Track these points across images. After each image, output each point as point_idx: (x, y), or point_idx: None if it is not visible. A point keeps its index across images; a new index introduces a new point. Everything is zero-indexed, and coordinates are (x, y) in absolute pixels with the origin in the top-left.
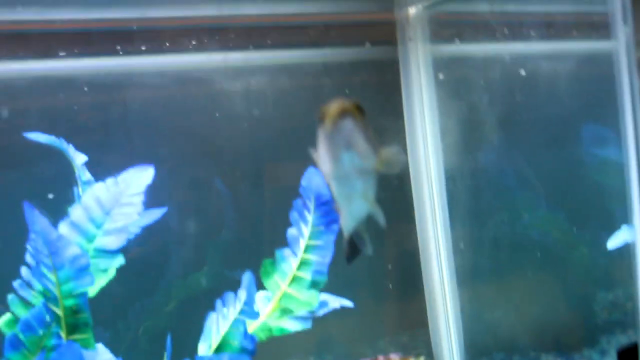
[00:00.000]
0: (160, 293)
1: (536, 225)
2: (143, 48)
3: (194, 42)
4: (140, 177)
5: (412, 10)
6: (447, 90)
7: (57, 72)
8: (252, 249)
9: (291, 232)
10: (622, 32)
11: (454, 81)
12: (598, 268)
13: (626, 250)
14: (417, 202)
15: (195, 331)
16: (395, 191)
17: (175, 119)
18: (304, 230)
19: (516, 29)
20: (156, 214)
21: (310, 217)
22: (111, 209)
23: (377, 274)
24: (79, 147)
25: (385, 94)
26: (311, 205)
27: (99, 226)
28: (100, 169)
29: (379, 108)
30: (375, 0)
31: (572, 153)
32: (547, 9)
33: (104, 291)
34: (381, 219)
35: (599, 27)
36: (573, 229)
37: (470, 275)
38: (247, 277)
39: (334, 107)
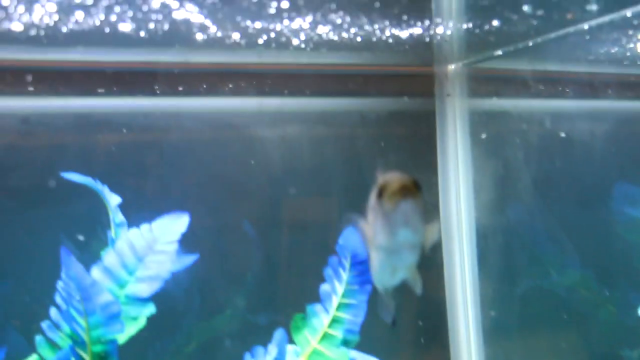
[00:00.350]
0: (181, 334)
1: (564, 283)
2: (180, 89)
3: (230, 86)
4: (175, 224)
5: (451, 67)
6: (482, 147)
7: (96, 111)
8: (277, 296)
9: (324, 288)
10: None
11: (489, 138)
12: (626, 328)
13: None
14: (447, 259)
15: None
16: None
17: (209, 164)
18: (337, 287)
19: (554, 87)
20: (188, 260)
21: (345, 275)
22: (144, 256)
23: (406, 330)
24: (114, 189)
25: (421, 147)
26: (347, 263)
27: (131, 273)
28: (133, 212)
29: (413, 161)
30: (415, 54)
31: (604, 212)
32: (587, 69)
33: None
34: (419, 288)
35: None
36: (602, 288)
37: (497, 331)
38: (279, 334)
39: (395, 184)
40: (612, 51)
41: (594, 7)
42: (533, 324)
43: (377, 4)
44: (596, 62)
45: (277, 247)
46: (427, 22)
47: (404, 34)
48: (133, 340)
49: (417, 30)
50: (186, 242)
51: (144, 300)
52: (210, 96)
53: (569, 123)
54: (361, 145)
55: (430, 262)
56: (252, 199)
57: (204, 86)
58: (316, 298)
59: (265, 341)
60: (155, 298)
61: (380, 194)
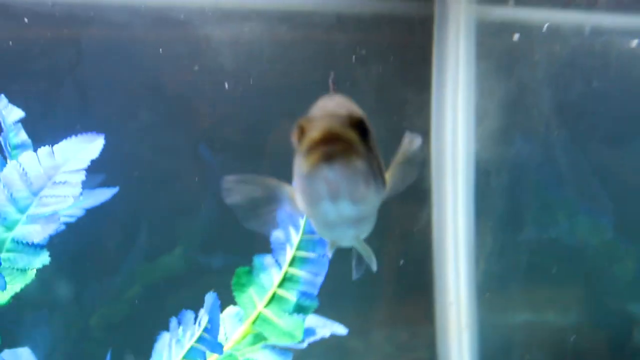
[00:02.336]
0: (121, 276)
1: (575, 233)
2: None
3: None
4: (85, 148)
5: None
6: (490, 62)
7: None
8: (236, 235)
9: (277, 235)
10: None
11: (500, 52)
12: None
13: None
14: (436, 198)
15: (158, 324)
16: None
17: (142, 69)
18: (292, 236)
19: None
20: (103, 195)
21: (302, 221)
22: (41, 188)
23: (384, 280)
24: (13, 99)
25: (412, 59)
26: None
27: (22, 210)
28: (36, 131)
29: (401, 75)
30: None
31: (637, 150)
32: None
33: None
34: (373, 264)
35: None
36: (620, 240)
37: (492, 284)
38: (210, 298)
39: (317, 131)
40: None
41: None
42: (534, 278)
43: None
44: None
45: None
46: None
47: None
48: (56, 275)
49: None
50: (109, 168)
51: (35, 247)
52: None
53: (602, 38)
54: (336, 53)
55: (415, 198)
56: (196, 115)
57: None
58: (268, 248)
59: (220, 286)
60: (91, 232)
61: (299, 142)
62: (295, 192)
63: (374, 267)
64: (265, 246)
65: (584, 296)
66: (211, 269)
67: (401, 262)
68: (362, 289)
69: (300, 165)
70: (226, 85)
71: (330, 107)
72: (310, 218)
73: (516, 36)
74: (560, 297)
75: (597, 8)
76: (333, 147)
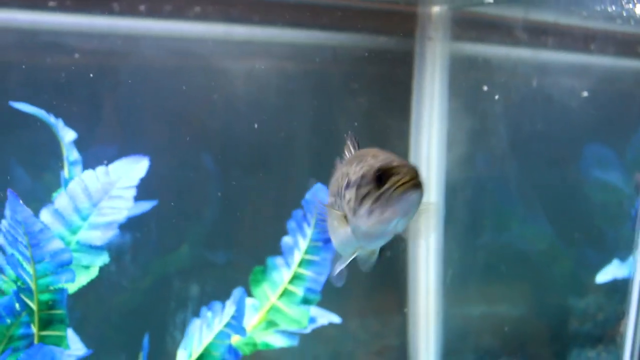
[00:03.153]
0: (137, 268)
1: (524, 237)
2: (142, 9)
3: (197, 9)
4: (134, 168)
5: (436, 8)
6: (460, 97)
7: (44, 28)
8: (236, 233)
9: (286, 240)
10: None
11: (469, 88)
12: (578, 282)
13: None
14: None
15: (168, 312)
16: None
17: (169, 95)
18: (300, 242)
19: (543, 38)
20: (146, 206)
21: (309, 231)
22: (99, 200)
23: (364, 283)
24: (66, 121)
25: (395, 91)
26: (312, 220)
27: (84, 218)
28: (86, 148)
29: (386, 105)
30: None
31: (573, 172)
32: (582, 22)
33: None
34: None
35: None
36: (561, 243)
37: (456, 282)
38: (238, 292)
39: (405, 175)
40: (609, 9)
41: None
42: (489, 276)
43: None
44: (590, 18)
45: (239, 188)
46: None
47: None
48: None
49: None
50: (145, 185)
51: (97, 249)
52: (174, 19)
53: (552, 78)
54: (332, 84)
55: None
56: (214, 135)
57: (169, 8)
58: (277, 250)
59: (221, 280)
60: None
61: (379, 179)
62: (350, 214)
63: (366, 268)
64: (260, 245)
65: (529, 291)
66: (215, 264)
67: (387, 254)
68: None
69: (384, 193)
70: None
71: (388, 156)
72: (363, 233)
73: (485, 87)
74: (510, 292)
75: (547, 48)
76: (416, 183)
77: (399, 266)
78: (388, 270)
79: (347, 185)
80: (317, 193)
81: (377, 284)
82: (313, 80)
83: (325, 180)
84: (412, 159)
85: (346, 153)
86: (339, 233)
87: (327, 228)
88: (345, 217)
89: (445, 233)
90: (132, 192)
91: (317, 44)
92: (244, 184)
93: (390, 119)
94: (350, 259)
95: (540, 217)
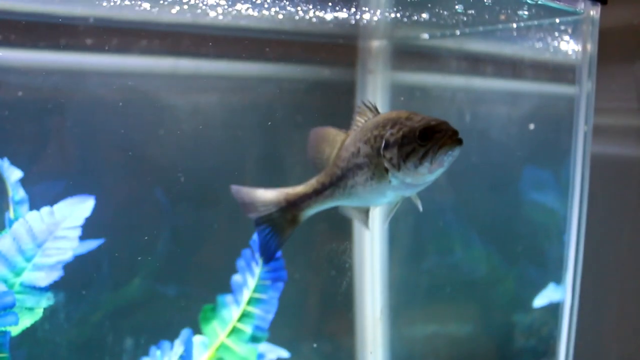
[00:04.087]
0: (87, 303)
1: (468, 259)
2: (88, 42)
3: (144, 43)
4: (79, 208)
5: (375, 43)
6: None
7: None
8: (186, 267)
9: (236, 279)
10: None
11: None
12: (521, 300)
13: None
14: (357, 232)
15: (120, 349)
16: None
17: (116, 131)
18: (249, 280)
19: (476, 67)
20: (92, 245)
21: (257, 269)
22: (44, 241)
23: (312, 312)
24: (11, 159)
25: (339, 121)
26: (260, 259)
27: (28, 259)
28: (31, 187)
29: None
30: (339, 30)
31: (512, 194)
32: (514, 53)
33: None
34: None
35: (559, 73)
36: (503, 264)
37: (404, 301)
38: (186, 332)
39: (446, 130)
40: (537, 46)
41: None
42: (437, 296)
43: None
44: (520, 50)
45: (189, 224)
46: (352, 9)
47: (328, 16)
48: None
49: (342, 14)
50: (94, 222)
51: (41, 290)
52: (121, 54)
53: (488, 105)
54: (278, 116)
55: (339, 227)
56: (163, 171)
57: (115, 42)
58: (227, 288)
59: (173, 312)
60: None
61: (424, 137)
62: (395, 169)
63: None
64: (211, 278)
65: (475, 312)
66: (166, 296)
67: (332, 273)
68: (290, 306)
69: (432, 150)
70: (185, 146)
71: (423, 116)
72: (407, 184)
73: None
74: (456, 313)
75: (481, 76)
76: (457, 138)
77: (345, 292)
78: (334, 296)
79: (387, 146)
80: None
81: (324, 311)
82: (258, 114)
83: None
84: None
85: (359, 119)
86: (378, 187)
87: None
88: (386, 171)
89: (390, 258)
90: (78, 232)
91: (262, 77)
92: (194, 220)
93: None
94: (395, 208)
95: (482, 240)
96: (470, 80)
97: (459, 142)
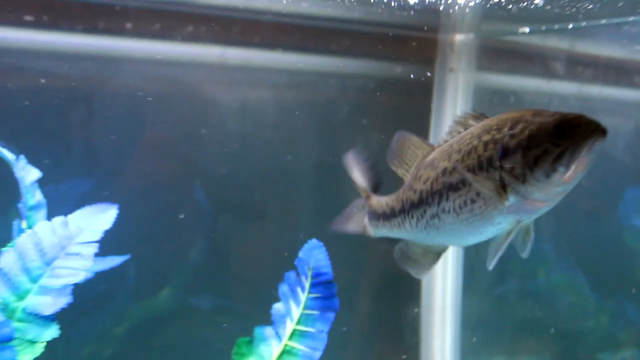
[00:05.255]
0: (110, 314)
1: (552, 286)
2: (128, 26)
3: (189, 29)
4: (98, 220)
5: (459, 37)
6: None
7: (9, 46)
8: (225, 277)
9: (277, 308)
10: None
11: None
12: (614, 337)
13: None
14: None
15: None
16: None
17: (152, 128)
18: (293, 310)
19: (580, 70)
20: (114, 261)
21: (303, 296)
22: (54, 258)
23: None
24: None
25: (411, 127)
26: (307, 283)
27: (34, 279)
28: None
29: None
30: (420, 15)
31: (610, 218)
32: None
33: None
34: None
35: None
36: (595, 295)
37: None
38: None
39: (588, 122)
40: None
41: None
42: (517, 328)
43: None
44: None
45: (228, 235)
46: None
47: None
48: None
49: None
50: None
51: (46, 320)
52: (163, 40)
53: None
54: (341, 119)
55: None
56: (202, 175)
57: (158, 26)
58: (267, 318)
59: (205, 326)
60: None
61: (561, 133)
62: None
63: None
64: (252, 289)
65: (558, 345)
66: (200, 309)
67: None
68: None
69: (572, 148)
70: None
71: (548, 111)
72: (535, 199)
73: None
74: (536, 344)
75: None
76: (602, 129)
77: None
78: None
79: (505, 153)
80: (312, 251)
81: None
82: (317, 114)
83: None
84: None
85: (457, 129)
86: (483, 213)
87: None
88: (504, 188)
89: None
90: (93, 249)
91: (323, 72)
92: (234, 230)
93: None
94: (509, 240)
95: (571, 266)
96: (578, 86)
97: (603, 132)
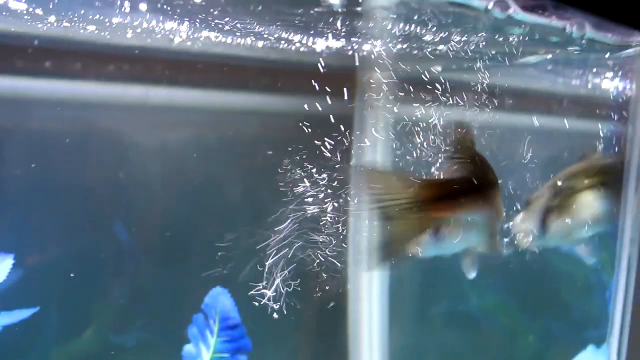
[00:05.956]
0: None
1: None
2: (46, 65)
3: (111, 68)
4: None
5: (376, 74)
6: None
7: None
8: (149, 313)
9: (188, 349)
10: None
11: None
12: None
13: None
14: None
15: None
16: None
17: (61, 170)
18: (204, 354)
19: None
20: (22, 314)
21: (212, 340)
22: None
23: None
24: None
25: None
26: (215, 327)
27: None
28: None
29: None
30: (336, 57)
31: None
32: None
33: None
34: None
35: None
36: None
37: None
38: None
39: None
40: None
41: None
42: (445, 349)
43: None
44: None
45: (149, 273)
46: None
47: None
48: None
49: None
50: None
51: None
52: (76, 80)
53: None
54: (261, 158)
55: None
56: (121, 217)
57: (77, 66)
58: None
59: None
60: None
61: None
62: None
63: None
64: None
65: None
66: (124, 347)
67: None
68: None
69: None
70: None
71: None
72: None
73: None
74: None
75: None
76: None
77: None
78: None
79: None
80: (218, 297)
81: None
82: (239, 153)
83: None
84: None
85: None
86: None
87: None
88: None
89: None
90: None
91: (245, 109)
92: (156, 268)
93: None
94: None
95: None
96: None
97: None
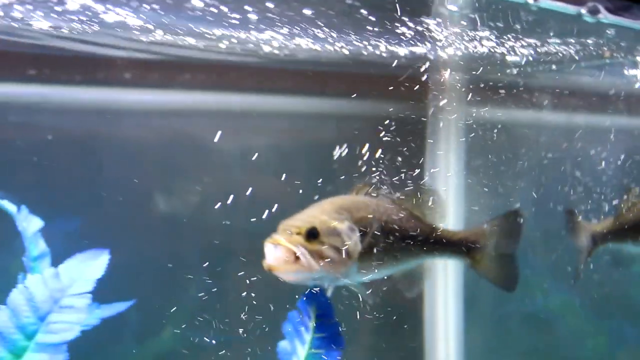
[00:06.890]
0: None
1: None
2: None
3: (187, 76)
4: (90, 266)
5: (448, 77)
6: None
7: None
8: (227, 311)
9: (283, 345)
10: None
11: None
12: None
13: None
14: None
15: None
16: None
17: (153, 177)
18: (299, 350)
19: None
20: (120, 307)
21: (308, 337)
22: (47, 313)
23: None
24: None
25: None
26: (311, 324)
27: (29, 336)
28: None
29: None
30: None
31: None
32: None
33: None
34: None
35: None
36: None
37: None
38: None
39: None
40: None
41: None
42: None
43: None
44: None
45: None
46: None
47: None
48: None
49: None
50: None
51: None
52: (159, 89)
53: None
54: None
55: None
56: (201, 218)
57: (155, 76)
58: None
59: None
60: None
61: None
62: None
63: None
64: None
65: None
66: (204, 346)
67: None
68: None
69: None
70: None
71: None
72: None
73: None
74: None
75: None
76: None
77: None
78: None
79: None
80: (314, 296)
81: None
82: (316, 154)
83: None
84: None
85: None
86: None
87: None
88: None
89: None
90: (86, 301)
91: (320, 113)
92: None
93: None
94: None
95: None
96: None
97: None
